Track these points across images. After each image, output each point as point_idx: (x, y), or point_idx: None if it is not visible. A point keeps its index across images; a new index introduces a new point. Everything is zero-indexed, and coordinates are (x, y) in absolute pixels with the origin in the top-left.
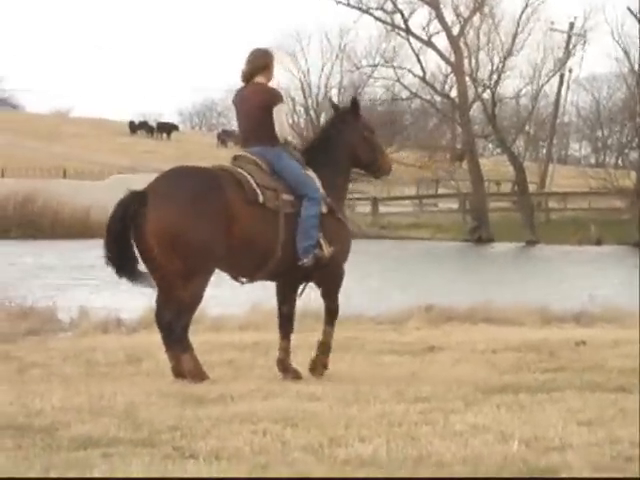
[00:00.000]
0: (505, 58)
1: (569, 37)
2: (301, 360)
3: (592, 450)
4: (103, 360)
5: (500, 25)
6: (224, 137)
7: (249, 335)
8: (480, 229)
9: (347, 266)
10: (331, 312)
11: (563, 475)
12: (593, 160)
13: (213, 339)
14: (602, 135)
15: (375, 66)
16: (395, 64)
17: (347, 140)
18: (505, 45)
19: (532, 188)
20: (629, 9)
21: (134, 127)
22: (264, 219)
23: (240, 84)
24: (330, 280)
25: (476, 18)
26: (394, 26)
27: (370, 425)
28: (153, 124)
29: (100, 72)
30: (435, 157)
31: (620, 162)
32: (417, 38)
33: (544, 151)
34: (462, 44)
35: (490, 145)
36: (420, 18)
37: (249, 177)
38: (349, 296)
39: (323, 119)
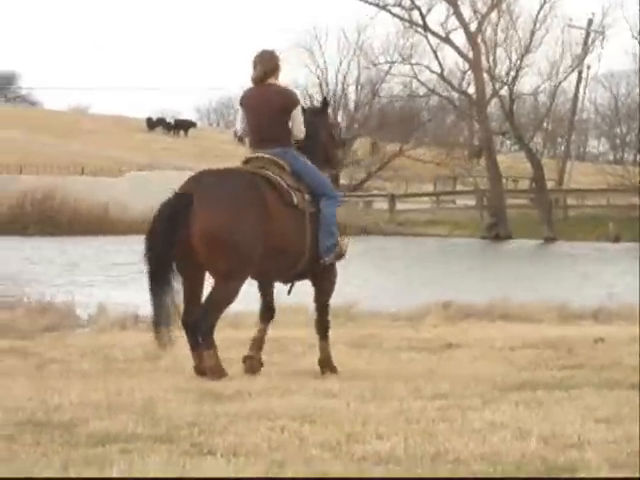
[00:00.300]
0: (523, 55)
1: (587, 34)
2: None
3: (610, 447)
4: (121, 356)
5: (518, 22)
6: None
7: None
8: (498, 226)
9: (365, 263)
10: (323, 325)
11: (581, 474)
12: (611, 157)
13: (233, 336)
14: (620, 132)
15: (392, 63)
16: (413, 61)
17: (321, 138)
18: (523, 42)
19: (550, 185)
20: None
21: (152, 124)
22: (296, 220)
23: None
24: (325, 277)
25: (494, 15)
26: (412, 22)
27: (387, 422)
28: (171, 121)
29: (118, 69)
30: (453, 154)
31: (638, 159)
32: (435, 35)
33: (562, 148)
34: (480, 41)
35: (508, 142)
36: (438, 15)
37: (279, 179)
38: (364, 292)
39: (340, 116)
